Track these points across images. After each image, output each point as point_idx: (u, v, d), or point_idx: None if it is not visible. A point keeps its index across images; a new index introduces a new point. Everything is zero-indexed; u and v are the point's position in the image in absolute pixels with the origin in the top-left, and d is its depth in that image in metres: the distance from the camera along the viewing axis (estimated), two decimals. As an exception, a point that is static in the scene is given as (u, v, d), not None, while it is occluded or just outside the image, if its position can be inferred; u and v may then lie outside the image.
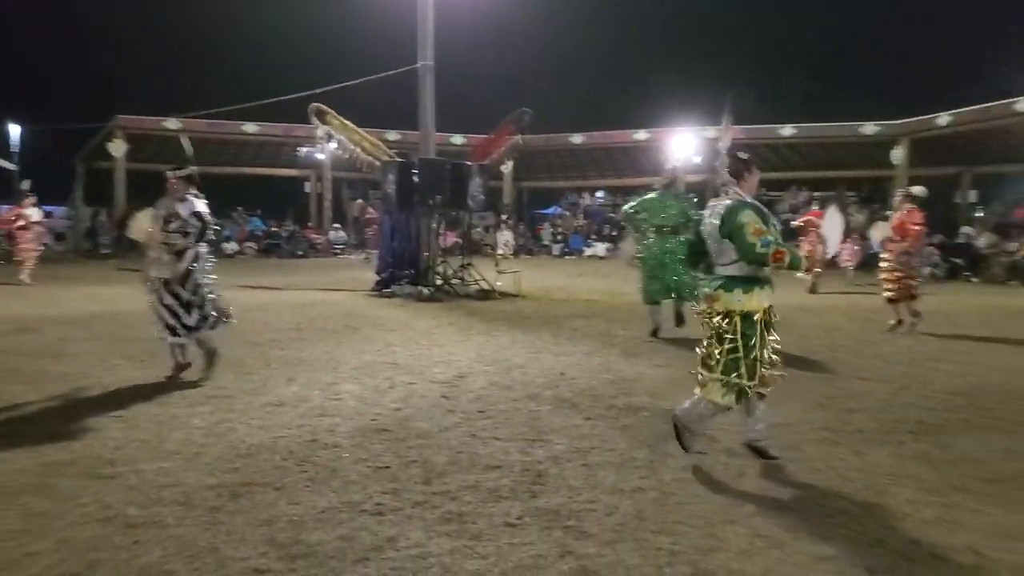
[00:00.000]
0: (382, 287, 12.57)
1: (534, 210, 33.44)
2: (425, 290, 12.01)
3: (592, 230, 27.88)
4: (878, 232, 10.05)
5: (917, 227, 8.56)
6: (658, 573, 2.82)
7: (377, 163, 13.65)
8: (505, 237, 23.76)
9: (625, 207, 8.70)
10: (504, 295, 12.34)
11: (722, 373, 3.83)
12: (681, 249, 7.48)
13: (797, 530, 3.19)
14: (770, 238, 3.74)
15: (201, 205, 5.79)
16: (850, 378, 6.25)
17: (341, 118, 13.54)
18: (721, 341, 3.85)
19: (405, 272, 12.62)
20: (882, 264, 9.01)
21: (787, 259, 3.72)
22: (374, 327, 8.84)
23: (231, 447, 4.22)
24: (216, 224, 6.37)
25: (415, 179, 12.40)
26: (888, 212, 11.22)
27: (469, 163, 13.37)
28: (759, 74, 39.00)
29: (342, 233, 26.41)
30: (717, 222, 3.90)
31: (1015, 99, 18.08)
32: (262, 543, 3.03)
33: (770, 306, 3.95)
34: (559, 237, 27.38)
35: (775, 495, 3.61)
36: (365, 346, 7.53)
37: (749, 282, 3.87)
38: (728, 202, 3.92)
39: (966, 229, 19.95)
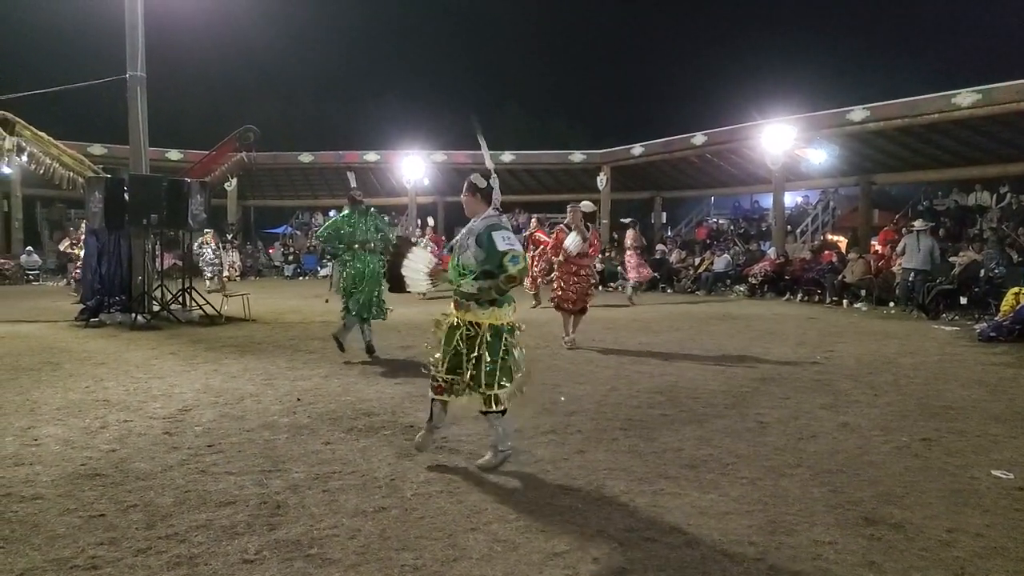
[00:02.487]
0: (88, 316, 11.20)
1: (263, 229, 32.02)
2: (140, 317, 10.93)
3: (326, 250, 27.33)
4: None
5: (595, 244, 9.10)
6: (404, 590, 2.85)
7: (80, 179, 12.19)
8: (231, 258, 22.40)
9: (317, 232, 8.65)
10: (232, 320, 11.63)
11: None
12: (376, 267, 7.98)
13: (532, 531, 3.42)
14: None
15: None
16: (569, 383, 6.82)
17: (33, 128, 11.90)
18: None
19: (116, 298, 11.39)
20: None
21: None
22: (80, 361, 7.83)
23: None
24: None
25: (126, 197, 11.28)
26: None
27: (188, 180, 12.45)
28: (486, 103, 41.46)
29: (36, 257, 23.04)
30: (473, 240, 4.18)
31: (692, 133, 21.09)
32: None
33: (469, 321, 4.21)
34: (291, 257, 26.44)
35: (511, 499, 3.82)
36: (70, 383, 6.64)
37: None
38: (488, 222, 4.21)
39: (660, 246, 22.76)
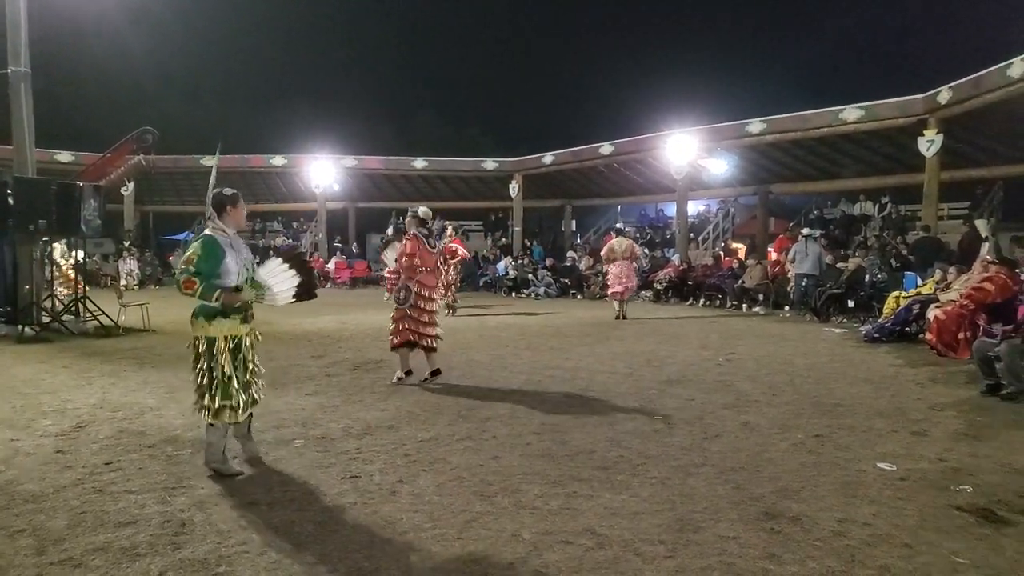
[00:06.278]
0: (-34, 329, 10.45)
1: (162, 236, 30.66)
2: (28, 329, 10.28)
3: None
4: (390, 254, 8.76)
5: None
6: (318, 604, 2.80)
7: (-46, 181, 11.38)
8: (129, 266, 21.36)
9: None
10: (130, 331, 11.09)
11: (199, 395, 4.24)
12: None
13: (447, 539, 3.42)
14: (191, 268, 4.08)
15: None
16: (485, 390, 6.86)
17: None
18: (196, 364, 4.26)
19: (0, 310, 10.68)
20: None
21: (195, 290, 4.09)
22: (-44, 378, 7.30)
23: None
24: None
25: (10, 201, 10.61)
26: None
27: (80, 184, 11.81)
28: (395, 110, 41.21)
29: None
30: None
31: (600, 143, 21.59)
32: None
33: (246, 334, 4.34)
34: (192, 265, 25.37)
35: (426, 508, 3.81)
36: (-56, 402, 6.19)
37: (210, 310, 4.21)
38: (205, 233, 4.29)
39: (571, 253, 23.16)
